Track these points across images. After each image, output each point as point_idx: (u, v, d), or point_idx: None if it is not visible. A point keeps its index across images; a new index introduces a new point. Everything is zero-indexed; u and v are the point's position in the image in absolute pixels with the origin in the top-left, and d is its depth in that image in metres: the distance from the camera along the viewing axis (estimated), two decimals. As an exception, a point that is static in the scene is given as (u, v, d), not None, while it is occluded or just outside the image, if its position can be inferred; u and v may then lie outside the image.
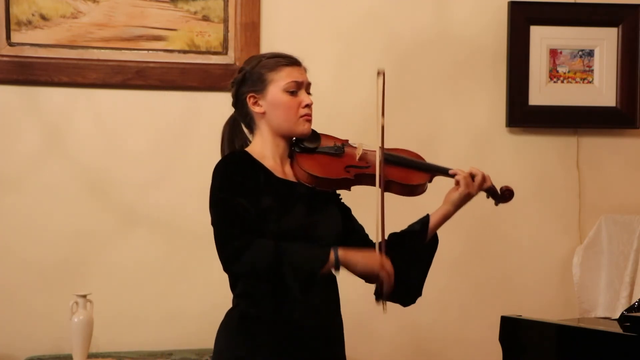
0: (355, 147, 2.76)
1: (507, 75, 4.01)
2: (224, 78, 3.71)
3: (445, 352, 3.99)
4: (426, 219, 2.77)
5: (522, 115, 4.02)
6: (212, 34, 3.79)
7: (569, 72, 4.07)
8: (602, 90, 4.09)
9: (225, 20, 3.80)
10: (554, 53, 4.05)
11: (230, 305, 2.67)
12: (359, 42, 3.92)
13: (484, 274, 4.02)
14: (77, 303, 3.51)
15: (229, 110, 2.78)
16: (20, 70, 3.65)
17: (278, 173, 2.65)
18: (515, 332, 3.09)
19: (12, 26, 3.65)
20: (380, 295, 2.60)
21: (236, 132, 2.75)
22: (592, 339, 2.86)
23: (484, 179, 2.79)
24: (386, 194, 2.67)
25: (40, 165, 3.68)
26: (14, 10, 3.65)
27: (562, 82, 4.07)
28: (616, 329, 2.86)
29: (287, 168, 2.68)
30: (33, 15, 3.67)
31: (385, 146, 2.73)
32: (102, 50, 3.72)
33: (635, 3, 4.07)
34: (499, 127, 4.04)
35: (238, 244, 2.49)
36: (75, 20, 3.70)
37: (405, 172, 2.75)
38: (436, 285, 3.97)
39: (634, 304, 2.95)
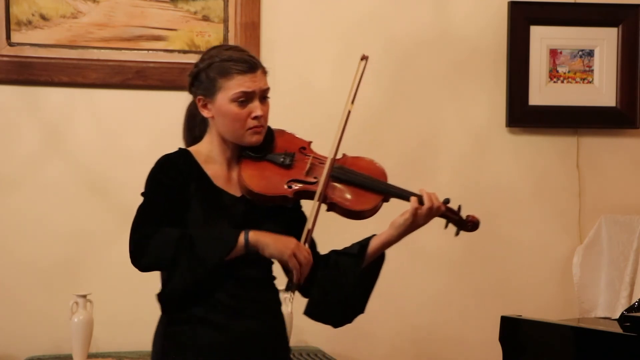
0: (309, 157, 2.56)
1: (507, 75, 4.01)
2: (224, 78, 3.71)
3: (445, 352, 3.99)
4: (366, 242, 2.59)
5: (522, 115, 4.02)
6: (212, 34, 3.79)
7: (569, 72, 4.07)
8: (602, 90, 4.09)
9: (225, 20, 3.80)
10: (554, 53, 4.05)
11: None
12: (359, 42, 3.92)
13: (484, 274, 4.02)
14: (77, 303, 3.51)
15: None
16: (20, 70, 3.65)
17: (219, 180, 2.53)
18: (515, 332, 3.09)
19: (12, 26, 3.65)
20: (289, 284, 2.46)
21: (197, 121, 2.62)
22: (592, 339, 2.86)
23: (432, 209, 2.53)
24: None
25: (40, 165, 3.68)
26: (14, 10, 3.65)
27: (562, 82, 4.07)
28: (616, 329, 2.86)
29: (235, 175, 2.55)
30: (33, 15, 3.67)
31: (351, 154, 2.57)
32: (102, 50, 3.72)
33: (635, 3, 4.07)
34: (499, 127, 4.04)
35: (141, 235, 2.42)
36: (75, 20, 3.70)
37: (354, 192, 2.52)
38: (436, 285, 3.99)
39: (634, 304, 2.95)
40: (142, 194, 2.55)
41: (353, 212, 2.53)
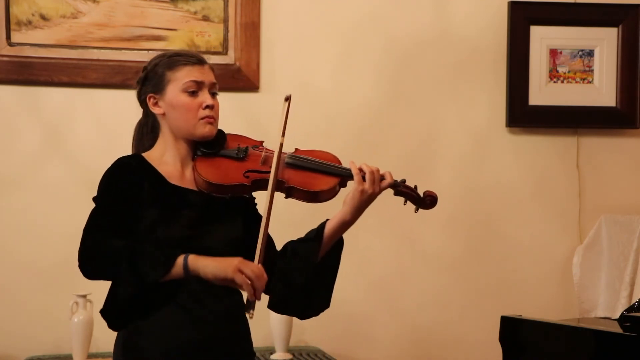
0: (262, 151, 2.58)
1: (507, 75, 4.01)
2: (224, 78, 3.70)
3: (445, 352, 3.99)
4: (322, 226, 2.56)
5: (522, 115, 4.02)
6: (212, 34, 3.79)
7: (569, 72, 4.07)
8: (602, 90, 4.09)
9: (225, 20, 3.80)
10: (554, 53, 4.05)
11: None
12: (359, 42, 3.92)
13: (484, 274, 4.02)
14: (77, 303, 3.51)
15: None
16: (20, 70, 3.65)
17: (174, 179, 2.52)
18: (515, 332, 3.09)
19: (12, 26, 3.65)
20: (246, 303, 2.39)
21: (145, 131, 2.62)
22: (592, 339, 2.86)
23: (373, 174, 2.51)
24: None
25: (40, 165, 3.68)
26: (14, 10, 3.65)
27: (562, 82, 4.07)
28: (616, 329, 2.86)
29: (189, 173, 2.54)
30: (33, 15, 3.67)
31: (305, 148, 2.59)
32: (102, 50, 3.72)
33: (635, 3, 4.07)
34: (499, 127, 4.04)
35: (89, 242, 2.41)
36: (75, 20, 3.70)
37: (309, 176, 2.54)
38: (436, 285, 3.99)
39: (634, 304, 2.95)
40: (94, 199, 2.52)
41: (310, 193, 2.54)
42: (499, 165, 4.04)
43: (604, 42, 4.08)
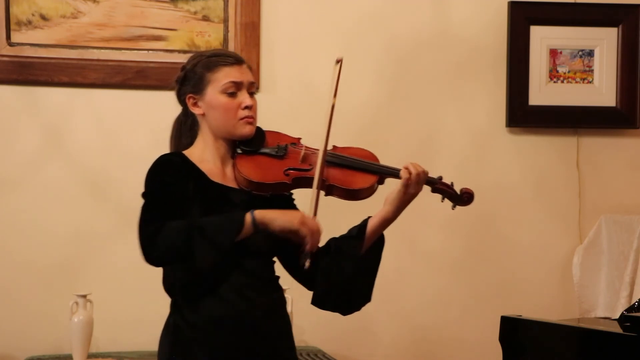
0: (302, 149, 2.64)
1: (507, 75, 4.01)
2: (224, 78, 3.71)
3: (445, 352, 3.99)
4: (364, 223, 2.64)
5: (522, 115, 4.02)
6: (212, 34, 3.79)
7: (569, 72, 4.07)
8: (602, 90, 4.09)
9: (225, 20, 3.80)
10: (554, 53, 4.05)
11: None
12: (359, 42, 3.92)
13: (484, 274, 4.02)
14: (77, 303, 3.51)
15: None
16: (20, 70, 3.65)
17: (216, 177, 2.56)
18: (515, 332, 3.09)
19: (12, 26, 3.65)
20: (303, 253, 2.49)
21: (184, 129, 2.67)
22: (592, 339, 2.86)
23: (419, 175, 2.60)
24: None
25: (40, 165, 3.68)
26: (14, 10, 3.65)
27: (562, 82, 4.07)
28: (616, 329, 2.86)
29: (229, 171, 2.60)
30: (33, 15, 3.67)
31: (340, 145, 2.64)
32: (102, 50, 3.72)
33: (635, 3, 4.07)
34: (499, 127, 4.04)
35: (151, 229, 2.43)
36: (75, 20, 3.70)
37: (349, 174, 2.61)
38: (436, 285, 3.99)
39: (634, 304, 2.95)
40: (143, 195, 2.55)
41: (351, 191, 2.59)
42: (499, 165, 4.04)
43: (604, 42, 4.08)
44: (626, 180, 4.12)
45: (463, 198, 2.70)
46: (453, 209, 2.72)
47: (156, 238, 2.42)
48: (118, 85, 3.72)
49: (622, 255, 3.90)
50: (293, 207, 2.67)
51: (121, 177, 3.72)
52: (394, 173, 2.62)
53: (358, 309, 2.69)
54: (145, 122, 3.76)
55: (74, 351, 3.50)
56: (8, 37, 3.65)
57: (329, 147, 2.64)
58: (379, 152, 3.85)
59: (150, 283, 3.74)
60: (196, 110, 2.60)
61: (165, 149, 3.81)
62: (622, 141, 4.14)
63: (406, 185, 2.58)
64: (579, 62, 4.08)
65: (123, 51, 3.73)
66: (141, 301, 3.73)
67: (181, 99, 2.64)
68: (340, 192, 2.59)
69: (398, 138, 3.95)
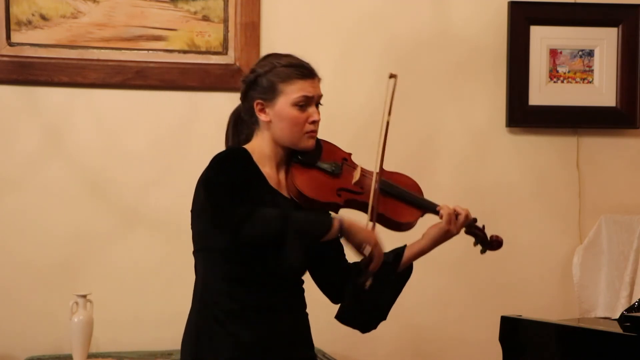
0: (355, 168, 2.66)
1: (507, 75, 4.01)
2: (224, 78, 3.71)
3: (445, 352, 3.99)
4: (401, 250, 2.71)
5: (522, 115, 4.02)
6: (212, 34, 3.79)
7: (569, 72, 4.07)
8: (602, 90, 4.09)
9: (225, 20, 3.80)
10: (554, 53, 4.05)
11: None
12: (359, 42, 3.92)
13: (484, 274, 4.02)
14: (77, 303, 3.51)
15: (229, 111, 2.77)
16: (20, 70, 3.65)
17: (272, 181, 2.59)
18: (515, 332, 3.09)
19: (12, 26, 3.65)
20: (365, 272, 2.53)
21: (242, 125, 2.68)
22: (592, 339, 2.86)
23: (467, 217, 2.70)
24: None
25: (40, 165, 3.68)
26: (14, 10, 3.65)
27: (562, 82, 4.07)
28: (616, 329, 2.86)
29: (282, 176, 2.62)
30: (33, 15, 3.67)
31: (384, 166, 2.64)
32: (102, 50, 3.72)
33: (635, 3, 4.07)
34: (499, 127, 4.04)
35: (243, 210, 2.42)
36: (75, 20, 3.70)
37: (397, 205, 2.65)
38: (436, 285, 3.99)
39: (634, 304, 2.95)
40: (208, 180, 2.52)
41: (397, 223, 2.64)
42: (499, 165, 4.04)
43: (604, 42, 4.08)
44: (626, 180, 4.12)
45: (493, 244, 2.80)
46: (482, 254, 2.82)
47: (252, 218, 2.41)
48: (118, 85, 3.72)
49: (622, 255, 3.90)
50: None
51: (121, 177, 3.72)
52: (432, 208, 2.68)
53: (375, 327, 2.75)
54: (145, 122, 3.76)
55: (74, 351, 3.50)
56: (8, 37, 3.65)
57: (375, 170, 2.64)
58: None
59: (150, 283, 3.76)
60: (263, 117, 2.60)
61: (165, 148, 3.83)
62: (622, 141, 4.14)
63: (448, 225, 2.67)
64: (579, 62, 4.08)
65: (123, 51, 3.73)
66: (141, 301, 3.74)
67: (249, 102, 2.63)
68: (386, 221, 2.63)
69: (398, 138, 3.93)
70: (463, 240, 3.98)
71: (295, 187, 2.57)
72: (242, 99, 2.66)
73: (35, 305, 3.68)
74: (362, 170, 2.65)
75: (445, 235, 2.69)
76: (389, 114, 2.64)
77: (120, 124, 3.76)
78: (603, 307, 3.95)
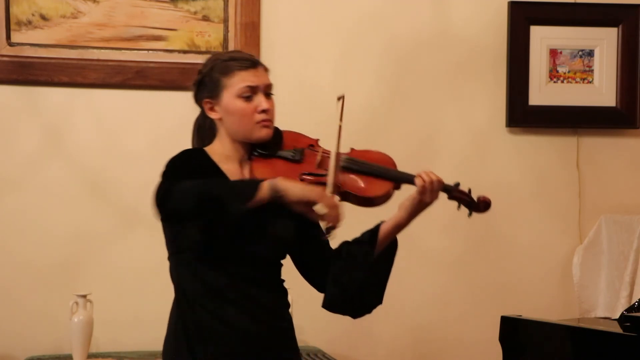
0: (318, 152, 2.61)
1: (507, 75, 4.01)
2: (224, 78, 3.71)
3: (445, 352, 3.99)
4: (376, 228, 2.62)
5: (522, 115, 4.02)
6: (212, 34, 3.79)
7: (569, 72, 4.07)
8: (602, 90, 4.09)
9: (225, 20, 3.80)
10: (554, 53, 4.05)
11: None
12: (359, 42, 3.92)
13: (484, 274, 4.02)
14: (77, 303, 3.51)
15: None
16: (20, 70, 3.65)
17: (234, 177, 2.55)
18: (515, 332, 3.09)
19: (12, 26, 3.65)
20: (327, 229, 2.46)
21: (203, 130, 2.65)
22: (592, 339, 2.86)
23: (434, 183, 2.56)
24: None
25: (40, 165, 3.68)
26: (14, 10, 3.65)
27: (562, 82, 4.07)
28: (616, 329, 2.86)
29: (247, 172, 2.58)
30: (33, 15, 3.67)
31: (356, 148, 2.62)
32: (102, 50, 3.72)
33: (635, 3, 4.07)
34: (499, 127, 4.04)
35: (164, 187, 2.40)
36: (75, 20, 3.70)
37: (365, 181, 2.58)
38: (436, 285, 3.99)
39: (634, 304, 2.95)
40: (163, 174, 2.51)
41: (366, 198, 2.57)
42: (499, 165, 4.04)
43: (604, 42, 4.08)
44: (626, 180, 4.12)
45: (480, 206, 2.68)
46: (469, 216, 2.70)
47: (171, 190, 2.38)
48: (118, 85, 3.72)
49: (622, 255, 3.90)
50: None
51: (121, 177, 3.73)
52: (410, 180, 2.59)
53: (369, 311, 2.69)
54: (145, 122, 3.76)
55: (74, 351, 3.50)
56: (8, 37, 3.65)
57: (347, 151, 2.62)
58: (379, 152, 3.86)
59: (150, 283, 3.76)
60: (213, 115, 2.58)
61: (165, 148, 3.81)
62: (622, 141, 4.14)
63: (421, 193, 2.56)
64: (579, 62, 4.08)
65: (123, 51, 3.73)
66: (141, 301, 3.74)
67: (199, 104, 2.62)
68: (355, 199, 2.57)
69: (398, 138, 3.95)
70: (463, 240, 4.00)
71: (257, 178, 2.52)
72: (195, 102, 2.64)
73: (35, 305, 3.68)
74: (325, 153, 2.60)
75: (419, 203, 2.57)
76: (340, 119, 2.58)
77: (120, 124, 3.76)
78: (603, 307, 3.95)
